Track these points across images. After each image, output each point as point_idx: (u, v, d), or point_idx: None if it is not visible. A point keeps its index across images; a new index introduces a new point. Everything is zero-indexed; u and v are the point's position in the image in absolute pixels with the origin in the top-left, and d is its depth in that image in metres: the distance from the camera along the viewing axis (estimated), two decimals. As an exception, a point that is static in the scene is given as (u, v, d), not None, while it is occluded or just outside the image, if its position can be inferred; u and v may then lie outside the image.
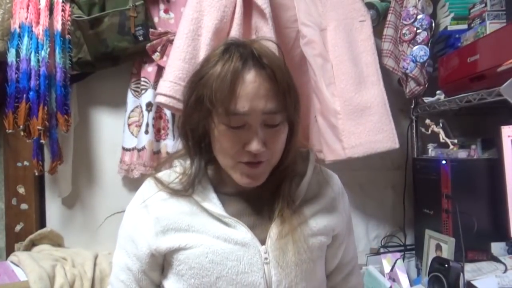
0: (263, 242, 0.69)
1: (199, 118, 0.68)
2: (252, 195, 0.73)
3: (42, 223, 1.51)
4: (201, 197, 0.70)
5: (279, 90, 0.64)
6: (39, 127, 1.25)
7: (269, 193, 0.72)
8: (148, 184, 0.75)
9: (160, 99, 1.24)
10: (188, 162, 0.74)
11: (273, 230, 0.69)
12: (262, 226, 0.70)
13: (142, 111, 1.42)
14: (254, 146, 0.64)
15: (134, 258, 0.72)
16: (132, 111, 1.45)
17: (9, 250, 1.48)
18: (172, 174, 0.74)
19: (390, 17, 1.40)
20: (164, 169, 0.78)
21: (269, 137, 0.66)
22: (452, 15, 1.38)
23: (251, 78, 0.63)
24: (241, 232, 0.68)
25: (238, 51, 0.65)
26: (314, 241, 0.72)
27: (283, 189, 0.72)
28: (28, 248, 1.38)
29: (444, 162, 1.27)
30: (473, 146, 1.33)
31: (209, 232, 0.68)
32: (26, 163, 1.50)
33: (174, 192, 0.71)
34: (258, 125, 0.64)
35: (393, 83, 1.52)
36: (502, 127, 1.17)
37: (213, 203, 0.70)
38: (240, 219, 0.69)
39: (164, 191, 0.72)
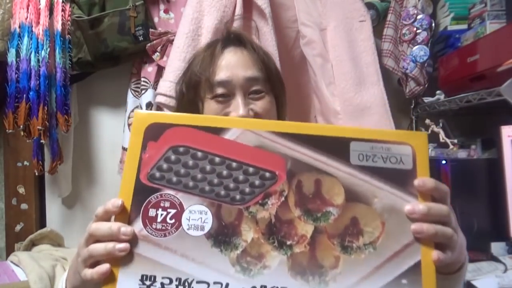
0: None
1: (189, 101, 0.71)
2: None
3: (42, 223, 1.51)
4: None
5: (258, 58, 0.69)
6: (39, 127, 1.25)
7: None
8: None
9: (160, 99, 1.24)
10: None
11: None
12: None
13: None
14: (240, 110, 0.65)
15: None
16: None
17: (9, 250, 1.48)
18: None
19: (390, 17, 1.40)
20: None
21: (256, 106, 0.68)
22: (452, 15, 1.38)
23: (230, 51, 0.70)
24: None
25: (220, 40, 0.72)
26: None
27: None
28: (28, 248, 1.38)
29: (444, 162, 1.27)
30: (473, 146, 1.33)
31: None
32: (26, 163, 1.50)
33: None
34: (241, 93, 0.67)
35: (393, 83, 1.52)
36: (502, 127, 1.17)
37: None
38: None
39: None
